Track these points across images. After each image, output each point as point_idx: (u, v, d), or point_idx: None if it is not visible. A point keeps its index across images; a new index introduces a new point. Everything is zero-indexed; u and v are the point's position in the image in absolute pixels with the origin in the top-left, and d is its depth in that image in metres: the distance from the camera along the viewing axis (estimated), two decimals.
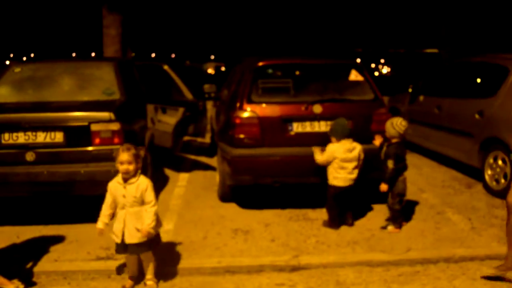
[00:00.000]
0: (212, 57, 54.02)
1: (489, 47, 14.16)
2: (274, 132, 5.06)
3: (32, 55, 52.88)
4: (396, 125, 4.64)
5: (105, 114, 4.67)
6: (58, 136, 4.65)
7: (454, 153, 6.82)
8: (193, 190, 6.18)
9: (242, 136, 5.05)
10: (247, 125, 5.04)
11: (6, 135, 4.63)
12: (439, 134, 7.15)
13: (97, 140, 4.64)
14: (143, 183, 3.54)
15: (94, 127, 4.63)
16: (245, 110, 5.07)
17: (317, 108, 5.08)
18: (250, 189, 5.60)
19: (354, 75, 5.41)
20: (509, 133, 5.62)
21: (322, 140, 4.91)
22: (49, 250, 4.30)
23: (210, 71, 36.27)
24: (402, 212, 4.82)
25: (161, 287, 3.72)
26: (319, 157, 4.79)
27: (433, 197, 5.86)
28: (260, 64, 5.36)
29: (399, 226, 4.76)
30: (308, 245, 4.42)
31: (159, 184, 6.11)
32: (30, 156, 4.63)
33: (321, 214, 5.11)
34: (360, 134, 4.91)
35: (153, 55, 40.51)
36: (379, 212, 5.16)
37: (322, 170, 4.80)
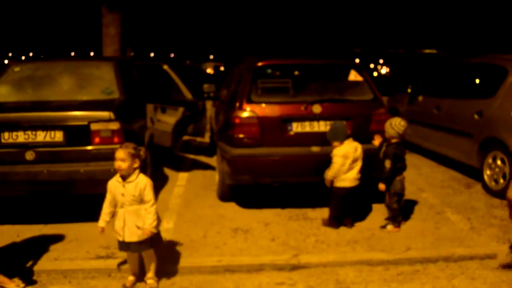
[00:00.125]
0: (211, 57, 53.88)
1: (488, 48, 14.19)
2: (274, 132, 5.07)
3: (30, 54, 52.83)
4: (395, 125, 4.65)
5: (104, 114, 4.68)
6: (58, 135, 4.65)
7: (453, 153, 6.83)
8: (193, 189, 6.19)
9: (241, 135, 5.06)
10: (247, 125, 5.05)
11: (6, 134, 4.63)
12: (438, 134, 7.16)
13: (96, 140, 4.65)
14: (142, 181, 3.55)
15: (94, 127, 4.63)
16: (245, 110, 5.07)
17: (317, 108, 5.09)
18: (249, 189, 5.60)
19: (354, 75, 5.42)
20: (508, 133, 5.63)
21: (322, 140, 4.93)
22: (49, 249, 4.30)
23: (209, 70, 36.19)
24: (402, 212, 4.84)
25: (162, 286, 3.73)
26: (331, 170, 4.70)
27: (432, 197, 5.87)
28: (260, 64, 5.37)
29: (398, 225, 4.77)
30: (308, 244, 4.42)
31: (159, 183, 6.10)
32: (30, 155, 4.64)
33: (321, 213, 5.12)
34: (360, 134, 4.93)
35: (152, 54, 40.47)
36: (379, 212, 5.17)
37: (321, 169, 4.80)
